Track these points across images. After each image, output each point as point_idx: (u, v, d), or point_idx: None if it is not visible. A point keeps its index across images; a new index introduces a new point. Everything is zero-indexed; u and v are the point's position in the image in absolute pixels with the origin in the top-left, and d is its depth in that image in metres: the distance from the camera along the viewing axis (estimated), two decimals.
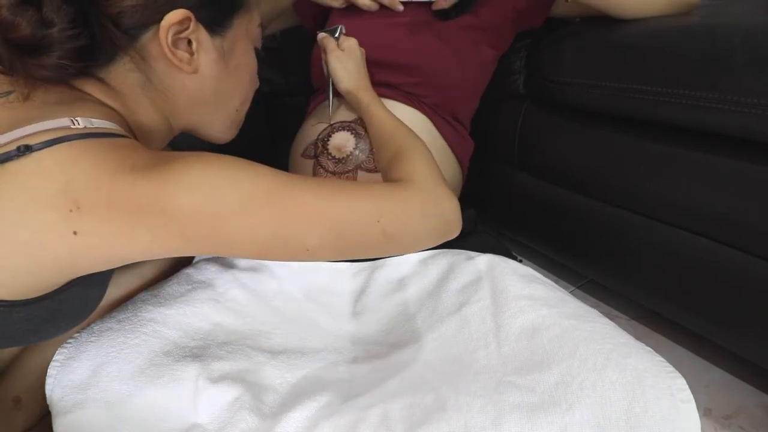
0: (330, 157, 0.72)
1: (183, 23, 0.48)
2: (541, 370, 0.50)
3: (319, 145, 0.74)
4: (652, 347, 0.52)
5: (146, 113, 0.52)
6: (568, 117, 0.84)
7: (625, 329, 0.55)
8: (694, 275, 0.71)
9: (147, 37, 0.48)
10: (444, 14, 0.80)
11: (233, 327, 0.63)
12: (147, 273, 0.78)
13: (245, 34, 0.56)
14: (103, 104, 0.48)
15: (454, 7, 0.79)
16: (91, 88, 0.48)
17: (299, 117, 0.85)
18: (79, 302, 0.50)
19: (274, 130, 1.19)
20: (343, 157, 0.72)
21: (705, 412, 0.71)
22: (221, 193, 0.41)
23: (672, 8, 0.72)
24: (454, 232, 0.54)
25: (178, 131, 0.58)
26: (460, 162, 0.83)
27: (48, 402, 0.54)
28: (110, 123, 0.46)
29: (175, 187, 0.40)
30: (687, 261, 0.71)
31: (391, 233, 0.47)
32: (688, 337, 0.83)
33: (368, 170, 0.71)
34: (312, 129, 0.77)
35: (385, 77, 0.78)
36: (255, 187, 0.42)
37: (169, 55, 0.48)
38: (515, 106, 0.92)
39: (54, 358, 0.55)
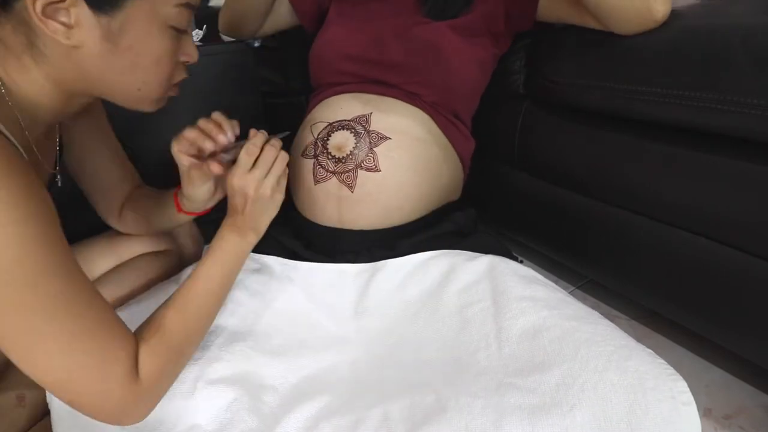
0: (330, 157, 0.72)
1: None
2: (542, 371, 0.50)
3: (319, 144, 0.74)
4: (652, 347, 0.52)
5: (33, 80, 0.50)
6: (568, 117, 0.84)
7: (625, 329, 0.55)
8: (694, 275, 0.71)
9: (20, 3, 0.45)
10: (440, 14, 0.80)
11: (234, 328, 0.63)
12: (150, 273, 0.78)
13: (148, 15, 0.51)
14: None
15: (450, 7, 0.79)
16: None
17: (299, 117, 0.85)
18: None
19: (274, 130, 1.19)
20: (342, 157, 0.71)
21: (705, 412, 0.71)
22: None
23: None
24: None
25: (82, 97, 0.55)
26: (462, 160, 0.83)
27: (47, 397, 0.55)
28: None
29: None
30: (687, 261, 0.71)
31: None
32: (688, 337, 0.83)
33: (368, 169, 0.71)
34: (311, 128, 0.77)
35: (384, 76, 0.78)
36: None
37: (41, 25, 0.46)
38: (515, 106, 0.92)
39: None
